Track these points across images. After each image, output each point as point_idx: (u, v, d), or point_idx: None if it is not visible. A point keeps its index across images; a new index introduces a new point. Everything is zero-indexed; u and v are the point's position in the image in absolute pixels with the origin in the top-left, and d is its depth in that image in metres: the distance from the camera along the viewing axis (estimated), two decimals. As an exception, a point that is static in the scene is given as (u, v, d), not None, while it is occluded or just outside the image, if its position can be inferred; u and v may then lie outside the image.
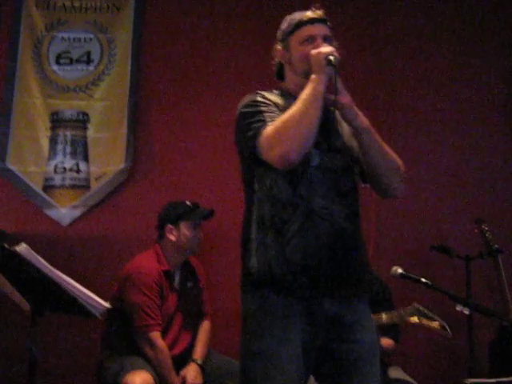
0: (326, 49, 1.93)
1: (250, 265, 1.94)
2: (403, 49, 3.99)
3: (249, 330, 1.94)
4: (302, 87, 1.92)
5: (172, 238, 3.08)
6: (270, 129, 1.89)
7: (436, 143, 3.88)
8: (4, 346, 3.55)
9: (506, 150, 3.91)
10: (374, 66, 3.84)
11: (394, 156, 2.03)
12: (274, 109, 1.97)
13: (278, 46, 2.09)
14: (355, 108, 1.96)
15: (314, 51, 1.94)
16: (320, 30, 2.02)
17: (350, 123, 1.99)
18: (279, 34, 2.09)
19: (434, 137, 3.89)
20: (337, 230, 1.91)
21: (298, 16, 2.05)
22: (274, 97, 2.03)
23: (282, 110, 1.95)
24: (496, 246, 3.48)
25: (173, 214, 3.11)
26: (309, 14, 2.03)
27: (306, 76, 1.94)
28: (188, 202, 3.16)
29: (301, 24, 2.02)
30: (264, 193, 1.96)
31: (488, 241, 3.50)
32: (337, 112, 2.02)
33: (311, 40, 2.00)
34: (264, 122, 1.91)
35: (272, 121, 1.90)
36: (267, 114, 1.94)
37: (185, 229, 3.09)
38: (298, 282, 1.88)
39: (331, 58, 1.89)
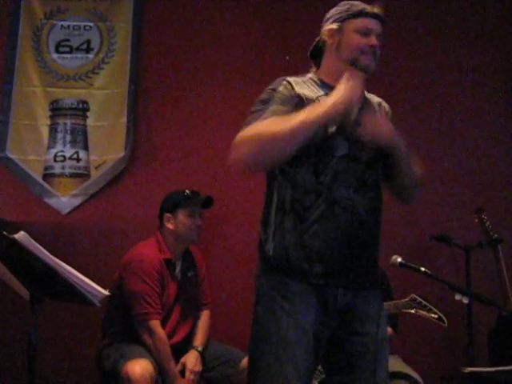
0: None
1: (267, 248, 1.94)
2: (405, 44, 3.98)
3: (261, 312, 1.93)
4: (339, 74, 1.91)
5: (170, 226, 3.08)
6: (249, 129, 1.85)
7: (435, 133, 3.87)
8: (4, 334, 3.56)
9: (506, 139, 3.90)
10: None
11: (419, 170, 2.03)
12: (291, 103, 1.91)
13: (333, 26, 2.02)
14: (396, 138, 1.95)
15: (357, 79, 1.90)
16: (378, 26, 2.00)
17: (387, 151, 1.97)
18: (336, 14, 2.03)
19: (433, 127, 3.88)
20: (357, 221, 1.91)
21: (361, 5, 2.02)
22: (301, 86, 1.97)
23: (309, 102, 1.91)
24: (496, 235, 3.48)
25: (170, 203, 3.11)
26: (373, 8, 2.01)
27: (349, 65, 1.94)
28: (187, 191, 3.15)
29: (364, 13, 1.99)
30: (286, 178, 1.94)
31: (488, 230, 3.50)
32: (368, 100, 2.03)
33: (367, 33, 1.98)
34: (259, 117, 1.87)
35: (272, 116, 1.85)
36: (271, 108, 1.89)
37: (182, 217, 3.08)
38: (314, 269, 1.88)
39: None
